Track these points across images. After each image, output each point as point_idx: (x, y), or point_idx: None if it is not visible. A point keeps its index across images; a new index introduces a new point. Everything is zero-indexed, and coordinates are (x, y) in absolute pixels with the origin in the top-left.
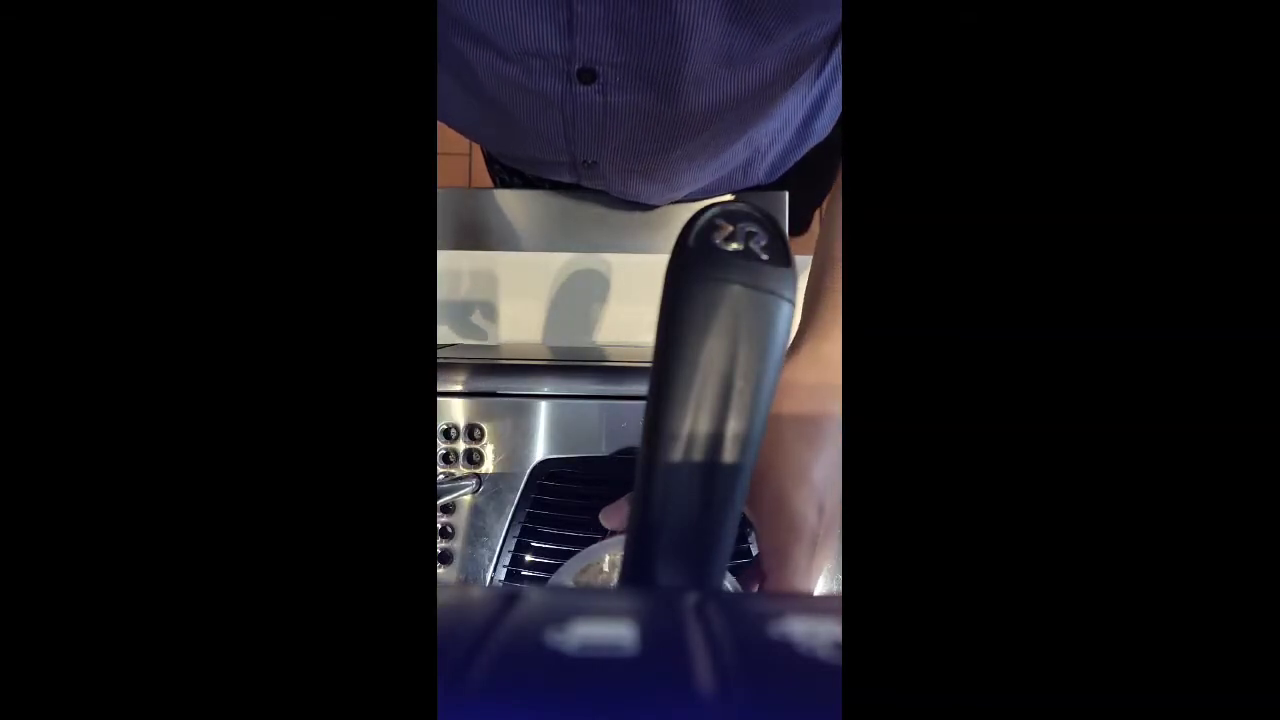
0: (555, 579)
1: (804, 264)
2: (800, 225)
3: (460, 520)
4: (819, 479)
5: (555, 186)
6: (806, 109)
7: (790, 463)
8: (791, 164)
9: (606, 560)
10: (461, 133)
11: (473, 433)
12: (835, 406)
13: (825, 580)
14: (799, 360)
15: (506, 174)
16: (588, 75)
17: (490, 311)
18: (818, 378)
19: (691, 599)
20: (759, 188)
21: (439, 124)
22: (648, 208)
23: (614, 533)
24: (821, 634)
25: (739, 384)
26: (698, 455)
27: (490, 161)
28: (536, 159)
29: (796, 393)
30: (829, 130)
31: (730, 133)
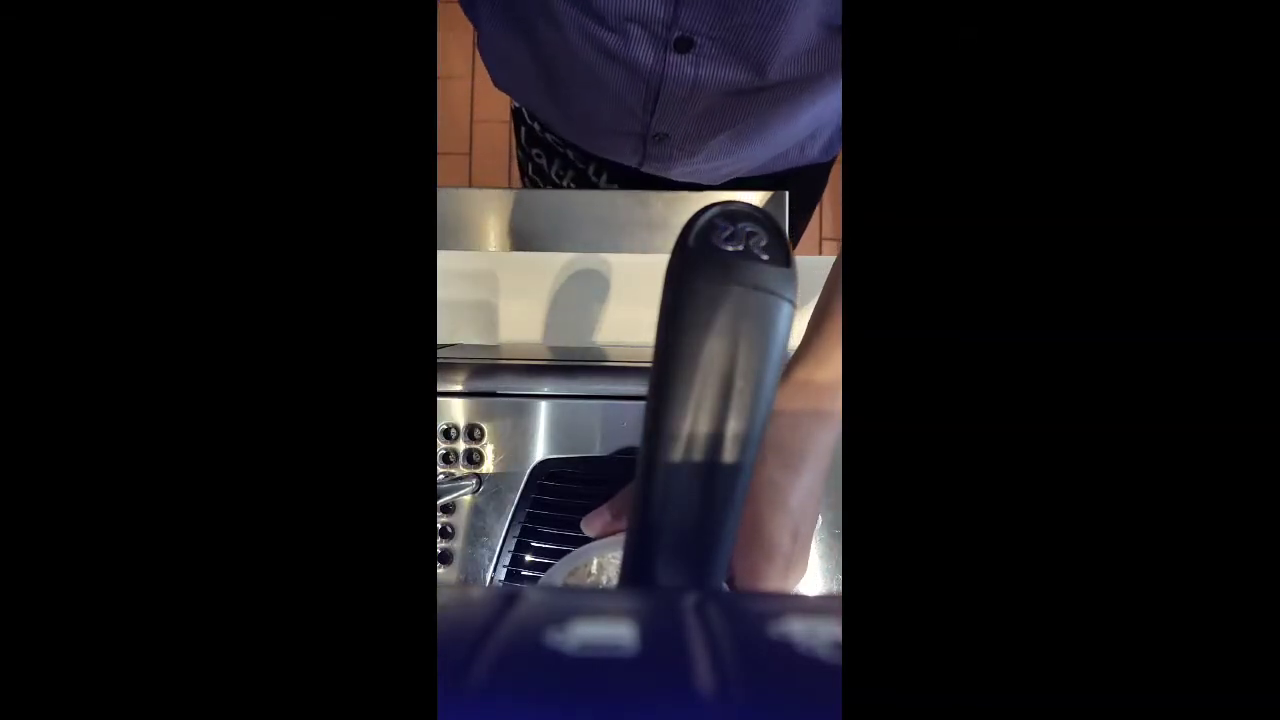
0: (545, 581)
1: (803, 265)
2: (794, 232)
3: (460, 520)
4: (795, 505)
5: (598, 173)
6: None
7: (768, 487)
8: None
9: (595, 563)
10: (522, 102)
11: (473, 433)
12: (820, 434)
13: (825, 581)
14: (789, 386)
15: (548, 155)
16: (684, 44)
17: (490, 311)
18: (805, 404)
19: (691, 599)
20: (814, 165)
21: (438, 123)
22: (648, 207)
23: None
24: (821, 634)
25: (739, 384)
26: (698, 455)
27: (531, 142)
28: (609, 129)
29: (781, 419)
30: None
31: (803, 108)
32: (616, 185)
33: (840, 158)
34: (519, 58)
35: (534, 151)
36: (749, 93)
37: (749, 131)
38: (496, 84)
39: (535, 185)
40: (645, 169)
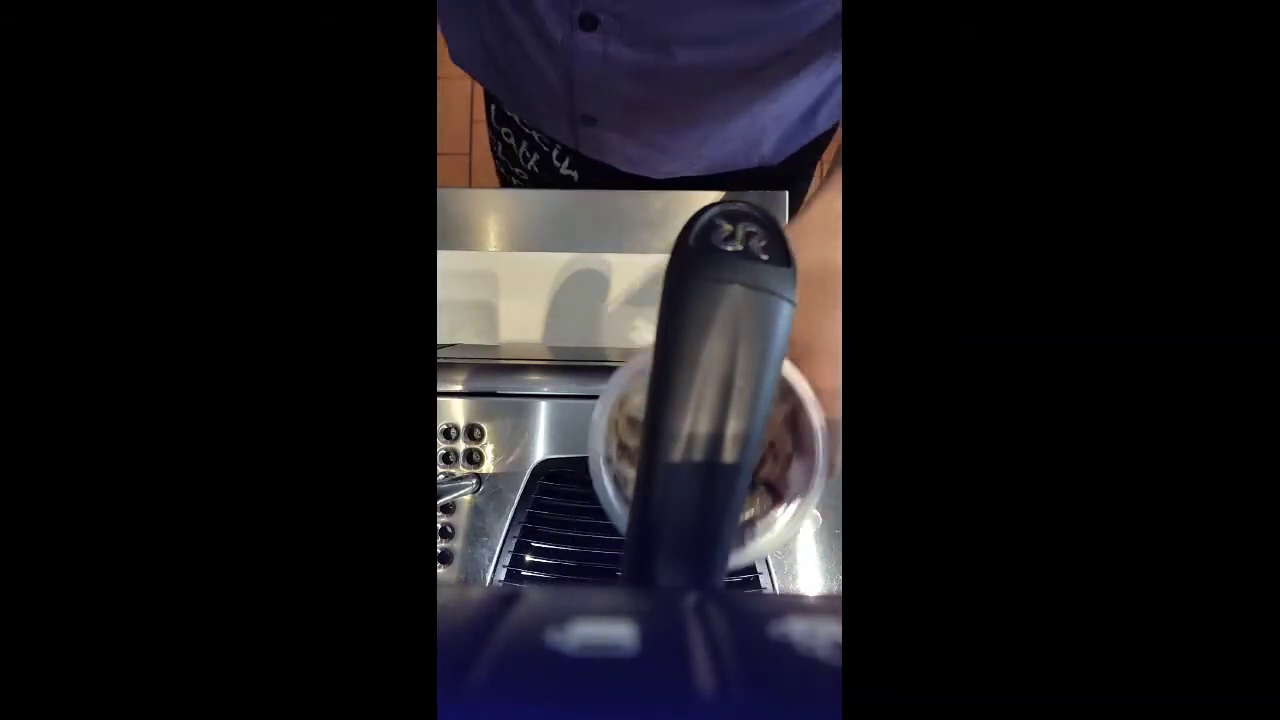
0: (596, 417)
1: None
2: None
3: (460, 520)
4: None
5: (560, 157)
6: (812, 100)
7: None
8: (796, 149)
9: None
10: (475, 78)
11: (473, 433)
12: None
13: (825, 581)
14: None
15: (515, 135)
16: (589, 21)
17: (490, 311)
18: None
19: (691, 599)
20: (763, 168)
21: (438, 123)
22: (648, 207)
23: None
24: (821, 634)
25: (739, 384)
26: (698, 455)
27: (500, 120)
28: (537, 111)
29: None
30: (830, 124)
31: (731, 106)
32: (577, 172)
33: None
34: (466, 31)
35: (503, 130)
36: (665, 78)
37: (678, 124)
38: (454, 59)
39: (504, 166)
40: (583, 152)
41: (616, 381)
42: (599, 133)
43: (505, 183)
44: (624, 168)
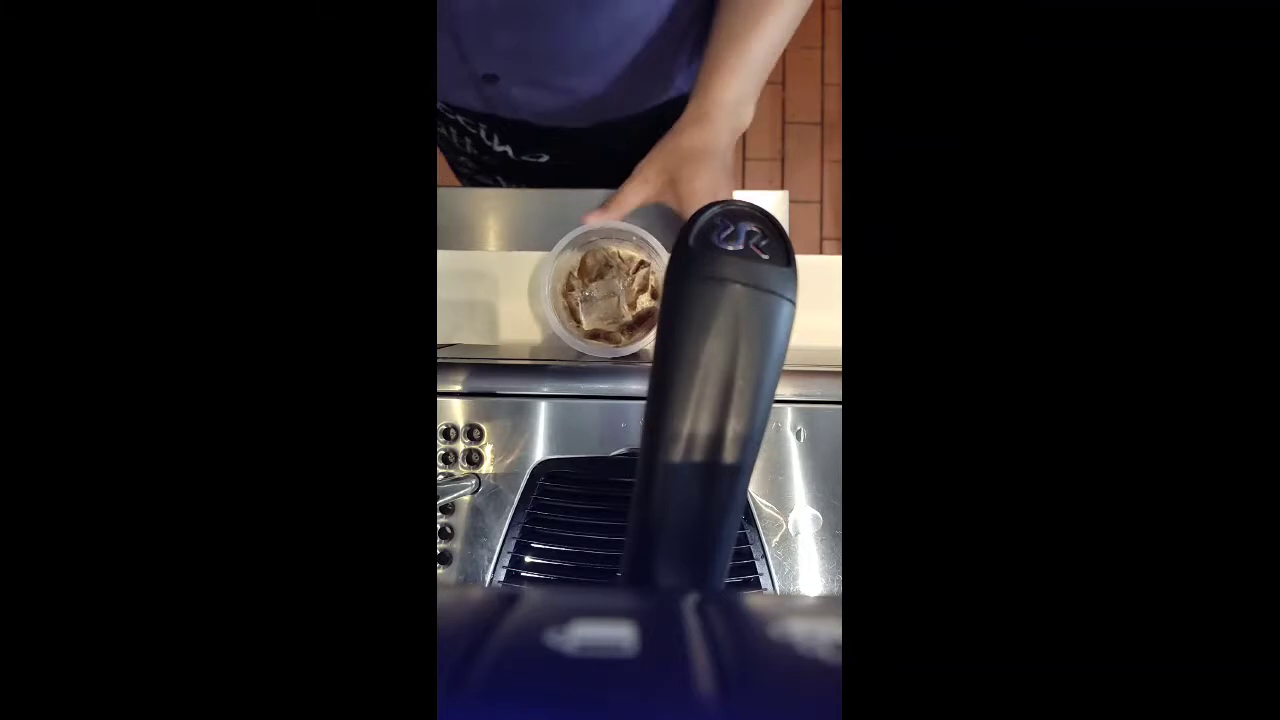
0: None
1: (803, 264)
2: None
3: (460, 520)
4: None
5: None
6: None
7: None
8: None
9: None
10: None
11: (472, 433)
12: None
13: (825, 581)
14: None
15: (444, 124)
16: None
17: (490, 311)
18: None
19: (691, 599)
20: (681, 98)
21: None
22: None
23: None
24: (821, 634)
25: (739, 384)
26: (698, 455)
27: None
28: (445, 84)
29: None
30: None
31: (608, 31)
32: (509, 147)
33: None
34: None
35: (440, 133)
36: (545, 20)
37: (568, 64)
38: None
39: (449, 158)
40: (498, 114)
41: (571, 236)
42: (504, 90)
43: (460, 178)
44: (542, 121)
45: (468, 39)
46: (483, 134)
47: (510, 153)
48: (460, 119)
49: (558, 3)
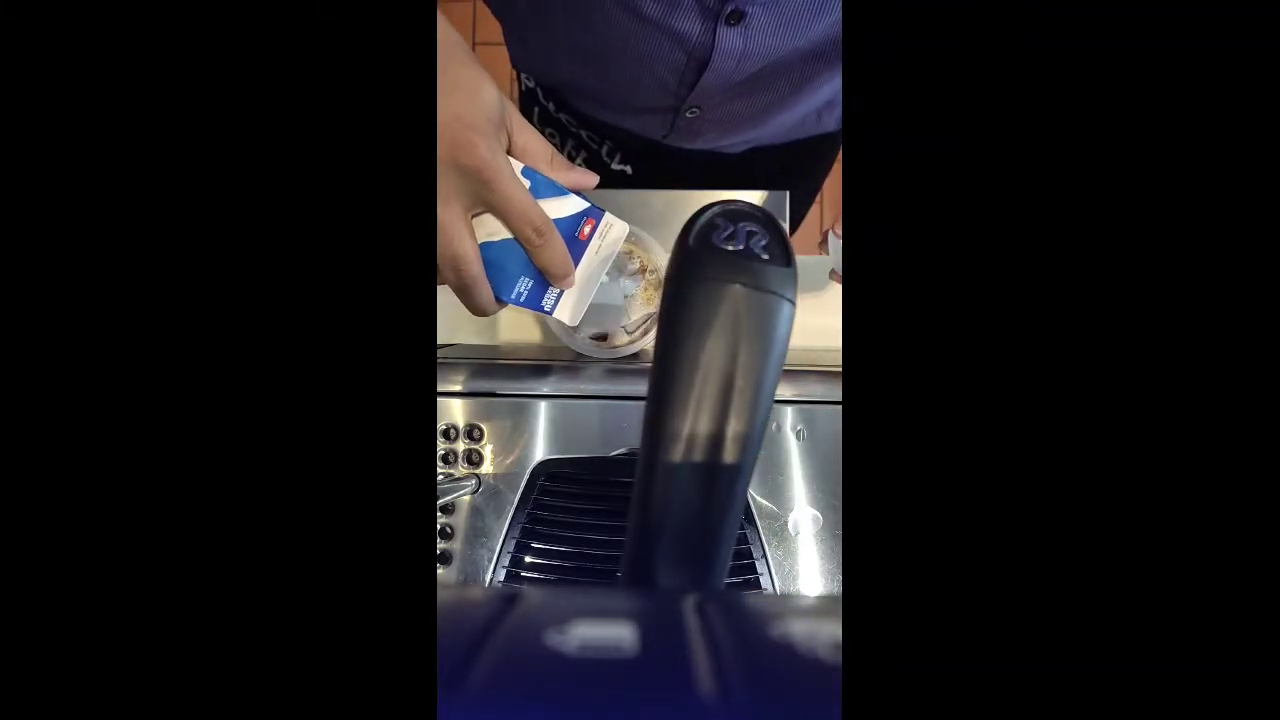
0: None
1: (803, 264)
2: (800, 210)
3: (460, 520)
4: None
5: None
6: None
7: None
8: None
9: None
10: (550, 79)
11: (472, 433)
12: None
13: (825, 581)
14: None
15: (561, 135)
16: (737, 16)
17: None
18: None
19: (691, 599)
20: (824, 135)
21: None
22: (648, 207)
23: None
24: (821, 634)
25: (739, 384)
26: (698, 455)
27: (545, 122)
28: (640, 104)
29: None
30: None
31: (827, 73)
32: (630, 166)
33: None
34: (551, 31)
35: (547, 131)
36: (790, 62)
37: (777, 103)
38: (516, 63)
39: None
40: (669, 142)
41: None
42: (698, 122)
43: None
44: (700, 147)
45: (714, 75)
46: (603, 152)
47: (629, 171)
48: (584, 133)
49: (820, 44)
